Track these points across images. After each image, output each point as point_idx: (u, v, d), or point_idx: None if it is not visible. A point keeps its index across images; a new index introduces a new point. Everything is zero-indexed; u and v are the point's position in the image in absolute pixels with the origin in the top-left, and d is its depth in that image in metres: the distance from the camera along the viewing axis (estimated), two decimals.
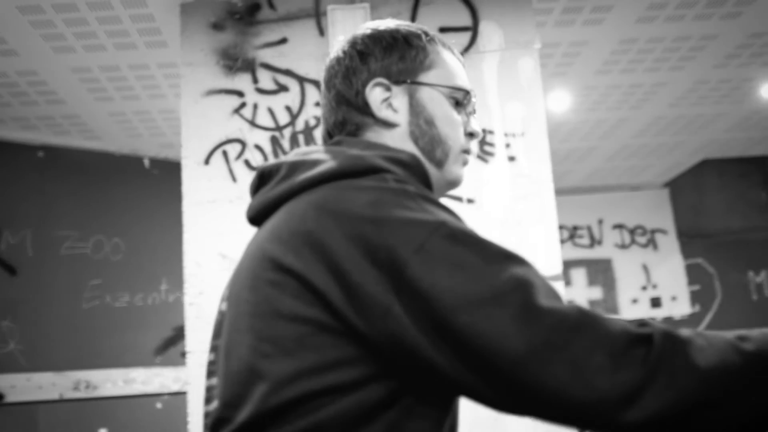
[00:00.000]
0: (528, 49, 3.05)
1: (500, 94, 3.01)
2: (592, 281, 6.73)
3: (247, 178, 2.91)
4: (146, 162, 5.08)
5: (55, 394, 4.48)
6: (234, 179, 2.92)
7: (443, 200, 1.06)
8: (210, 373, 1.09)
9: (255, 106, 2.97)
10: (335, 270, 0.91)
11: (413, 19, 3.01)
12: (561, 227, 6.56)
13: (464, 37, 3.03)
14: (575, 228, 6.83)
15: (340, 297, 0.91)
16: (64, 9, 3.30)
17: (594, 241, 6.87)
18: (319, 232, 0.93)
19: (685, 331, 0.88)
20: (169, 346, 4.88)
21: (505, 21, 3.05)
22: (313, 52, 2.99)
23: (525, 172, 2.96)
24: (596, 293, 6.73)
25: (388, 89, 1.14)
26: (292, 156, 1.11)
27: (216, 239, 2.86)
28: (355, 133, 1.16)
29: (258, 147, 2.95)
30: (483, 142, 2.96)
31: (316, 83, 2.98)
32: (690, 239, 6.80)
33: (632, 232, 6.90)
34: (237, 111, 2.97)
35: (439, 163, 1.15)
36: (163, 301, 4.96)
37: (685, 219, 6.85)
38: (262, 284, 0.98)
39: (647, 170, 6.57)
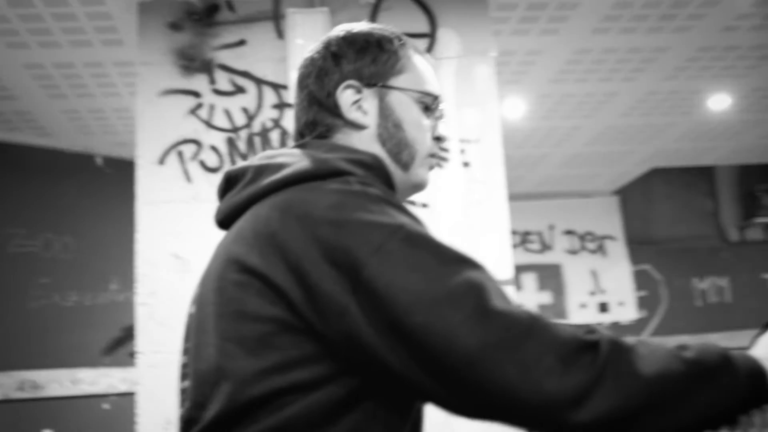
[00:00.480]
0: (484, 56, 3.09)
1: (456, 100, 3.04)
2: (542, 286, 6.82)
3: (202, 178, 2.90)
4: (98, 160, 5.02)
5: None
6: (189, 180, 2.90)
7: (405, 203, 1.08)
8: (183, 376, 1.10)
9: (211, 107, 2.96)
10: (296, 270, 0.93)
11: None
12: (513, 232, 6.62)
13: (422, 44, 3.05)
14: (527, 233, 6.91)
15: (301, 296, 0.93)
16: (19, 4, 3.24)
17: (545, 247, 6.95)
18: (282, 234, 0.96)
19: (629, 339, 0.91)
20: (118, 347, 4.82)
21: (462, 28, 3.08)
22: (271, 55, 2.99)
23: (479, 178, 2.99)
24: (546, 298, 6.82)
25: (359, 91, 1.16)
26: (258, 159, 1.13)
27: (169, 239, 2.84)
28: (325, 133, 1.17)
29: (214, 148, 2.93)
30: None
31: (273, 86, 2.97)
32: (638, 246, 6.92)
33: (582, 238, 7.00)
34: (193, 111, 2.95)
35: (406, 166, 1.17)
36: (113, 300, 4.90)
37: (633, 226, 6.97)
38: (227, 285, 1.00)
39: (598, 178, 6.68)
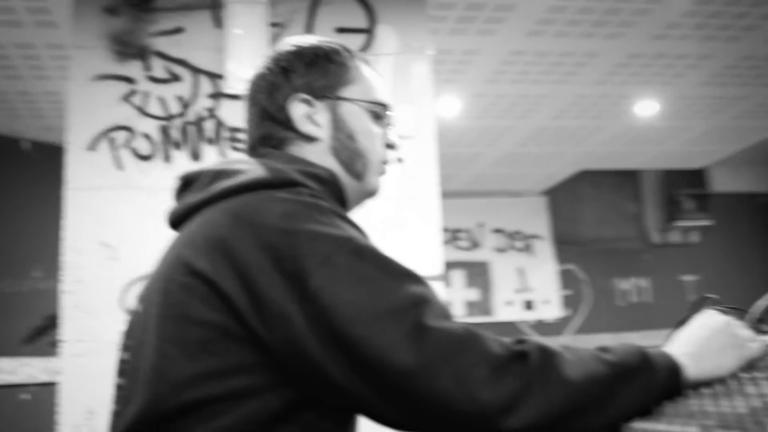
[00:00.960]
0: (422, 54, 3.12)
1: (393, 97, 3.05)
2: (470, 283, 6.90)
3: (133, 166, 2.85)
4: (25, 144, 4.89)
5: None
6: (120, 167, 2.86)
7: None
8: (121, 372, 1.10)
9: (145, 94, 2.91)
10: (243, 276, 0.94)
11: (311, 17, 3.02)
12: (443, 229, 6.70)
13: (360, 39, 3.06)
14: (457, 231, 6.99)
15: (246, 303, 0.93)
16: None
17: (474, 244, 7.04)
18: (231, 240, 0.96)
19: (556, 347, 0.95)
20: (39, 336, 4.71)
21: (401, 25, 3.10)
22: (209, 44, 2.96)
23: (412, 175, 3.02)
24: (474, 295, 6.90)
25: (310, 104, 1.18)
26: (216, 164, 1.14)
27: (97, 227, 2.79)
28: (278, 146, 1.18)
29: (146, 136, 2.89)
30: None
31: (210, 75, 2.94)
32: (564, 246, 7.07)
33: (510, 236, 7.11)
34: (126, 98, 2.90)
35: (359, 176, 1.19)
36: (35, 288, 4.78)
37: (560, 226, 7.12)
38: (173, 287, 1.00)
39: (528, 178, 6.79)
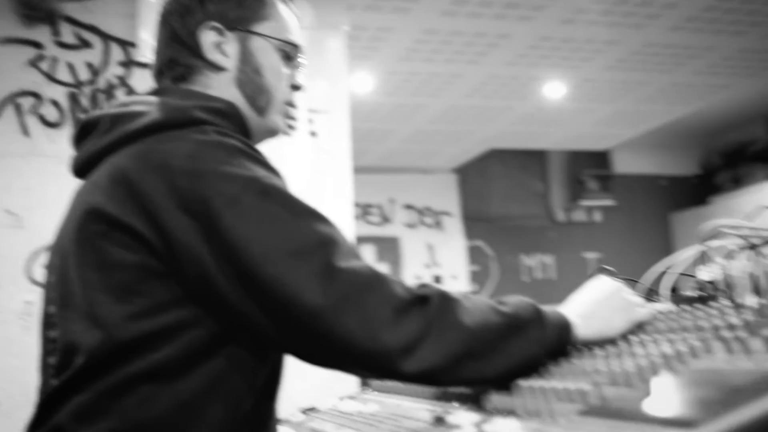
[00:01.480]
0: (337, 29, 3.14)
1: (307, 71, 3.07)
2: (381, 258, 6.97)
3: (40, 133, 2.79)
4: None
5: None
6: (26, 133, 2.79)
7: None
8: (49, 325, 1.10)
9: (54, 60, 2.85)
10: (154, 219, 0.96)
11: None
12: (355, 204, 6.72)
13: None
14: (368, 206, 7.04)
15: (160, 244, 0.96)
16: None
17: (384, 220, 7.11)
18: (139, 184, 0.97)
19: (456, 293, 1.00)
20: None
21: (316, 0, 3.11)
22: (120, 11, 2.90)
23: (325, 148, 3.05)
24: (384, 269, 6.96)
25: (221, 34, 1.17)
26: (114, 108, 1.13)
27: (2, 195, 2.72)
28: (184, 74, 1.18)
29: (54, 102, 2.83)
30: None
31: (121, 42, 2.89)
32: (473, 222, 7.21)
33: (421, 212, 7.20)
34: (33, 63, 2.83)
35: (261, 111, 1.20)
36: None
37: (469, 203, 7.24)
38: (87, 236, 1.01)
39: (438, 155, 6.88)
